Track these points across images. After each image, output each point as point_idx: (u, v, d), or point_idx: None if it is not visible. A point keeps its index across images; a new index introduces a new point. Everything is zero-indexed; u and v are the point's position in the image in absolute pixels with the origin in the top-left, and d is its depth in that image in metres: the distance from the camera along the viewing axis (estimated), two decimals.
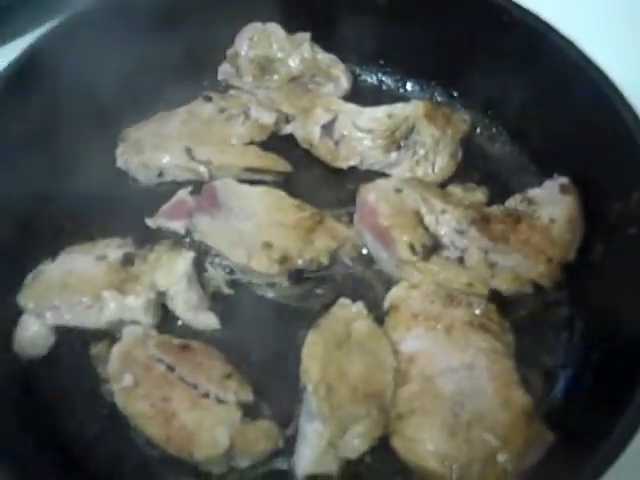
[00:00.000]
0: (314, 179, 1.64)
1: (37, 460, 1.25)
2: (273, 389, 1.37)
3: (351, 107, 1.63)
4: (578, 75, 1.46)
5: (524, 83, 1.58)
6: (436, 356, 1.35)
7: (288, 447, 1.32)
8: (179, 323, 1.46)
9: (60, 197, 1.54)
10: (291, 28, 1.72)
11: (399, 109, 1.60)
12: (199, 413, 1.30)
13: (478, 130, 1.70)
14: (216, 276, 1.49)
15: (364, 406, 1.30)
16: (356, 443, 1.29)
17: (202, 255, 1.49)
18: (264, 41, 1.70)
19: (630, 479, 1.30)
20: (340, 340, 1.35)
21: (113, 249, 1.47)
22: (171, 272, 1.43)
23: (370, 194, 1.49)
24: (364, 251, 1.52)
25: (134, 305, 1.40)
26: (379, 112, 1.60)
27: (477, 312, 1.39)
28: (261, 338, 1.44)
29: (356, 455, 1.29)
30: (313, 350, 1.34)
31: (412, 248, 1.43)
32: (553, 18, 1.52)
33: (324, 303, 1.45)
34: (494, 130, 1.70)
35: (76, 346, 1.44)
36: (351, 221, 1.54)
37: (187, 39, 1.65)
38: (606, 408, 1.16)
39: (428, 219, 1.47)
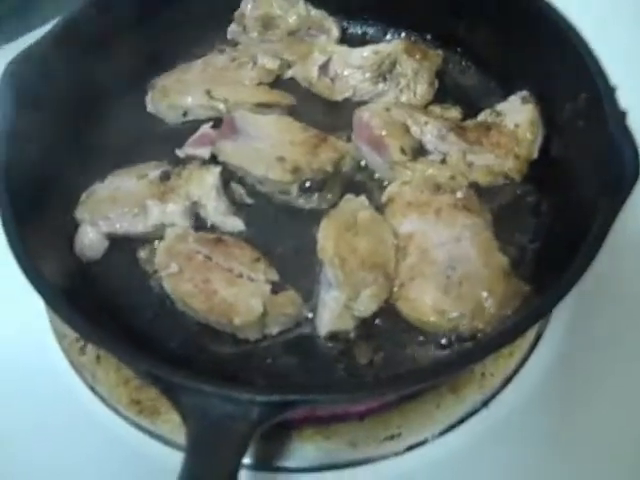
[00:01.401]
0: (315, 111, 1.85)
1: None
2: (294, 275, 1.56)
3: (343, 48, 1.87)
4: (527, 7, 1.71)
5: (485, 23, 1.83)
6: (429, 233, 1.56)
7: (311, 316, 1.52)
8: (210, 229, 1.65)
9: (102, 138, 1.77)
10: None
11: (383, 47, 1.83)
12: (235, 289, 1.49)
13: (450, 65, 1.92)
14: (238, 189, 1.69)
15: (372, 274, 1.50)
16: (367, 304, 1.48)
17: (226, 173, 1.68)
18: (265, 2, 1.95)
19: None
20: (348, 225, 1.55)
21: (152, 169, 1.67)
22: (202, 184, 1.64)
23: (364, 113, 1.72)
24: (362, 163, 1.73)
25: (174, 210, 1.60)
26: (366, 51, 1.84)
27: (460, 196, 1.60)
28: (280, 236, 1.64)
29: (368, 314, 1.49)
30: (326, 232, 1.54)
31: (402, 150, 1.65)
32: None
33: (332, 204, 1.65)
34: (464, 64, 1.93)
35: (126, 250, 1.63)
36: (349, 139, 1.75)
37: (198, 7, 1.90)
38: (564, 264, 1.35)
39: (414, 129, 1.69)
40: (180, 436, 1.29)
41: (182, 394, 1.24)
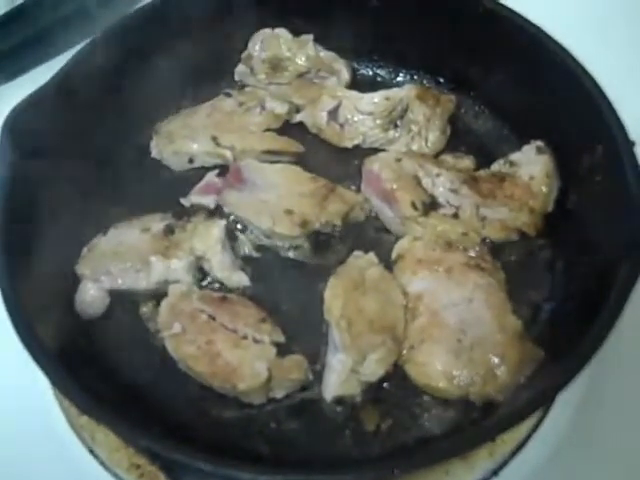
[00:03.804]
0: (324, 158, 1.81)
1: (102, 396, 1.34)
2: (300, 334, 1.53)
3: (353, 93, 1.82)
4: (544, 54, 1.65)
5: (500, 67, 1.78)
6: (440, 293, 1.52)
7: (317, 380, 1.48)
8: (215, 283, 1.61)
9: (103, 186, 1.73)
10: (296, 32, 1.91)
11: (394, 92, 1.78)
12: (240, 352, 1.46)
13: (463, 109, 1.87)
14: (245, 242, 1.65)
15: (380, 336, 1.46)
16: (374, 368, 1.44)
17: (232, 225, 1.66)
18: (274, 43, 1.89)
19: None
20: (356, 284, 1.52)
21: (155, 222, 1.63)
22: (207, 238, 1.60)
23: (374, 164, 1.67)
24: (371, 214, 1.69)
25: (177, 267, 1.57)
26: (377, 96, 1.79)
27: (472, 254, 1.56)
28: (286, 292, 1.60)
29: (375, 379, 1.45)
30: (334, 292, 1.51)
31: (414, 205, 1.61)
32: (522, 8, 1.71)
33: (340, 259, 1.60)
34: (477, 109, 1.88)
35: (128, 306, 1.59)
36: (359, 190, 1.71)
37: (204, 48, 1.85)
38: (581, 330, 1.31)
39: (425, 181, 1.64)
40: None
41: (182, 473, 1.20)
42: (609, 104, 1.53)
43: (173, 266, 1.57)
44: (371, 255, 1.59)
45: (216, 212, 1.69)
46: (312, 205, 1.64)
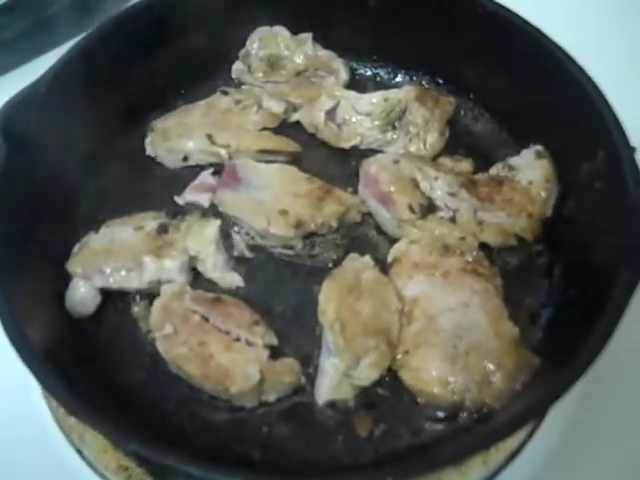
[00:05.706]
0: (320, 159, 1.78)
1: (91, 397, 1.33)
2: (294, 336, 1.51)
3: (351, 94, 1.80)
4: (545, 57, 1.63)
5: (500, 70, 1.75)
6: (436, 298, 1.50)
7: (309, 383, 1.46)
8: (208, 284, 1.59)
9: (97, 183, 1.72)
10: (294, 30, 1.89)
11: (393, 93, 1.76)
12: (232, 354, 1.43)
13: (462, 112, 1.85)
14: (239, 242, 1.63)
15: (374, 340, 1.44)
16: (368, 372, 1.42)
17: (226, 224, 1.63)
18: (272, 41, 1.87)
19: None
20: (351, 287, 1.50)
21: (149, 221, 1.61)
22: (201, 238, 1.58)
23: (372, 166, 1.65)
24: (368, 216, 1.67)
25: (170, 267, 1.54)
26: (376, 97, 1.77)
27: (469, 259, 1.53)
28: (280, 294, 1.58)
29: (368, 383, 1.42)
30: (328, 295, 1.48)
31: (411, 208, 1.59)
32: (523, 10, 1.69)
33: (335, 261, 1.59)
34: (476, 111, 1.86)
35: (120, 305, 1.57)
36: (355, 191, 1.69)
37: (202, 44, 1.83)
38: (579, 336, 1.30)
39: (423, 184, 1.62)
40: None
41: (172, 477, 1.19)
42: (610, 109, 1.51)
43: (166, 266, 1.55)
44: (367, 258, 1.56)
45: (210, 211, 1.66)
46: (308, 206, 1.62)
